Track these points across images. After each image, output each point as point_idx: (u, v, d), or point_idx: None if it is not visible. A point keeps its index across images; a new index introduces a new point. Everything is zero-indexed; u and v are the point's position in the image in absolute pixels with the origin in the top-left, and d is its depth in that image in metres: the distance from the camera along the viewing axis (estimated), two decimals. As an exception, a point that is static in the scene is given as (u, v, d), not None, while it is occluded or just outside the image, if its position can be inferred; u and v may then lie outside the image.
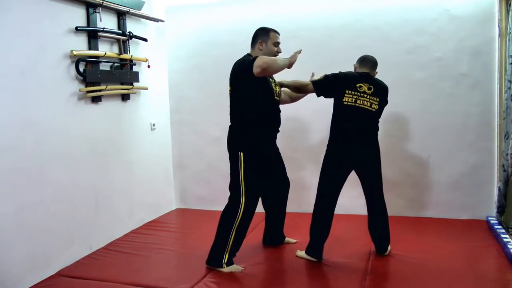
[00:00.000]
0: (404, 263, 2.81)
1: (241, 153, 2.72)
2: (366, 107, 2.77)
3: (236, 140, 2.78)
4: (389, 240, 2.97)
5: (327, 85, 2.84)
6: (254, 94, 2.72)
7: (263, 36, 2.79)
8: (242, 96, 2.74)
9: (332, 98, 2.88)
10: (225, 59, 4.05)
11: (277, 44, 2.82)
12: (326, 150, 2.88)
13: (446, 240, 3.17)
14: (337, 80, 2.83)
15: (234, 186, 2.77)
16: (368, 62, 2.89)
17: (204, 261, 2.85)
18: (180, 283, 2.60)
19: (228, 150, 2.82)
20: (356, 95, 2.77)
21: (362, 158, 2.84)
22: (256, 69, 2.57)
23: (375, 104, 2.79)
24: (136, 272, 2.79)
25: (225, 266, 2.76)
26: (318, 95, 2.88)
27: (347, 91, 2.78)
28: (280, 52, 2.85)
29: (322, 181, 2.89)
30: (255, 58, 2.62)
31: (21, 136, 2.62)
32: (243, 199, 2.73)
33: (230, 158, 2.80)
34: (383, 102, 2.84)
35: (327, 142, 2.90)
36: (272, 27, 2.84)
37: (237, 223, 2.74)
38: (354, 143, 2.80)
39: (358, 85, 2.78)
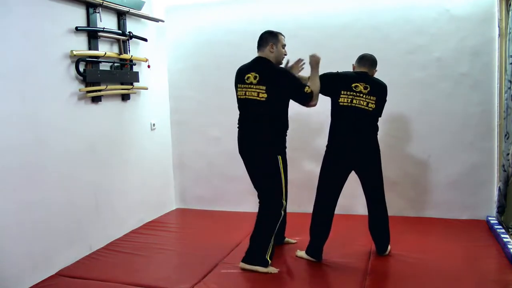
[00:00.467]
0: (404, 263, 2.81)
1: (279, 156, 2.78)
2: (363, 107, 2.77)
3: (272, 144, 2.80)
4: (389, 240, 2.97)
5: (321, 86, 2.84)
6: (286, 102, 2.84)
7: (273, 39, 2.84)
8: (279, 102, 2.79)
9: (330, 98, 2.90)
10: (225, 59, 4.09)
11: (284, 46, 2.89)
12: (325, 151, 2.89)
13: (446, 240, 3.17)
14: (331, 81, 2.85)
15: (273, 188, 2.78)
16: (366, 61, 2.89)
17: (204, 261, 2.85)
18: (180, 283, 2.60)
19: (260, 153, 2.81)
20: (352, 95, 2.78)
21: (360, 158, 2.84)
22: (309, 104, 2.83)
23: (372, 103, 2.78)
24: (136, 272, 2.79)
25: (269, 265, 2.77)
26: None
27: (342, 92, 2.79)
28: (286, 55, 2.93)
29: (321, 181, 2.89)
30: (308, 92, 2.77)
31: (21, 136, 2.62)
32: (285, 202, 2.80)
33: (261, 162, 2.81)
34: (381, 100, 2.83)
35: (326, 143, 2.91)
36: (275, 29, 2.88)
37: (279, 224, 2.79)
38: (352, 143, 2.80)
39: (353, 85, 2.79)
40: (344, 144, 2.81)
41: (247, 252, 2.81)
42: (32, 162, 2.69)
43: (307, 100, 2.81)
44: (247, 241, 2.94)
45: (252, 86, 2.78)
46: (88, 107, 3.18)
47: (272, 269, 2.76)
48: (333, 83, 2.84)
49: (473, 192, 3.63)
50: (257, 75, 2.76)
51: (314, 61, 2.85)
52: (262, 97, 2.73)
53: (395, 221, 3.44)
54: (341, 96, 2.79)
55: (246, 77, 2.80)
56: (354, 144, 2.80)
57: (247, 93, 2.79)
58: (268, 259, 2.76)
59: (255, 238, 2.80)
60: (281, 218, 2.79)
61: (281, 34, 2.89)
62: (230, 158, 3.93)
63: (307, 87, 2.78)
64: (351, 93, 2.78)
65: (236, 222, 3.79)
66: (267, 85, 2.73)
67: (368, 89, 2.78)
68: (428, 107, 3.66)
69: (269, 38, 2.84)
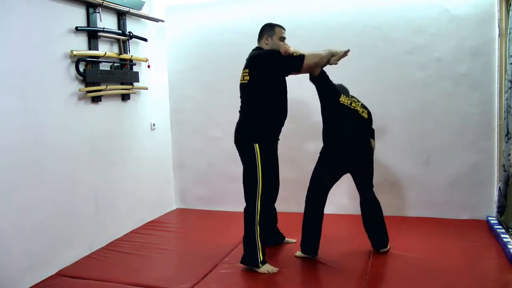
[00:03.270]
0: (404, 263, 2.81)
1: (256, 145, 2.72)
2: (360, 112, 2.87)
3: (248, 130, 2.78)
4: (387, 237, 2.98)
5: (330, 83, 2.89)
6: (275, 89, 2.79)
7: (269, 31, 2.85)
8: (263, 88, 2.75)
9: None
10: (225, 59, 4.09)
11: (282, 38, 2.85)
12: (324, 150, 2.89)
13: (446, 240, 3.17)
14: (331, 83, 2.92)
15: (246, 181, 2.79)
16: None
17: (204, 261, 2.85)
18: (180, 283, 2.60)
19: (237, 141, 2.82)
20: (350, 100, 2.88)
21: (360, 160, 2.89)
22: (306, 70, 2.74)
23: (365, 113, 2.91)
24: (136, 272, 2.79)
25: (260, 265, 2.74)
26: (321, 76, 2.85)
27: (341, 95, 2.87)
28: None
29: (317, 180, 2.90)
30: (300, 56, 2.67)
31: (21, 136, 2.62)
32: (259, 198, 2.74)
33: (239, 150, 2.81)
34: (371, 119, 2.98)
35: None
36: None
37: (258, 221, 2.74)
38: (354, 145, 2.84)
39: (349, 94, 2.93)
40: (347, 146, 2.83)
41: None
42: (32, 162, 2.69)
43: (299, 63, 2.69)
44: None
45: (243, 71, 2.84)
46: (88, 107, 3.18)
47: (269, 268, 2.75)
48: (333, 84, 2.89)
49: (473, 192, 3.62)
50: (246, 61, 2.82)
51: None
52: (246, 80, 2.78)
53: (395, 221, 3.45)
54: (341, 96, 2.85)
55: (244, 65, 2.86)
56: (356, 147, 2.84)
57: (240, 78, 2.86)
58: (260, 257, 2.73)
59: (243, 237, 2.82)
60: (257, 214, 2.72)
61: (279, 26, 2.87)
62: (230, 158, 3.93)
63: (296, 52, 2.70)
64: (349, 97, 2.89)
65: (236, 222, 3.76)
66: (250, 67, 2.77)
67: (360, 104, 2.93)
68: (428, 107, 3.66)
69: (265, 30, 2.86)
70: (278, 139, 2.95)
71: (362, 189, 2.97)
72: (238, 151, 2.85)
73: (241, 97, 2.88)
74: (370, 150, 2.94)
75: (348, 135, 2.83)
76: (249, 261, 2.76)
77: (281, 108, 2.86)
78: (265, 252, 2.81)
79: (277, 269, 2.76)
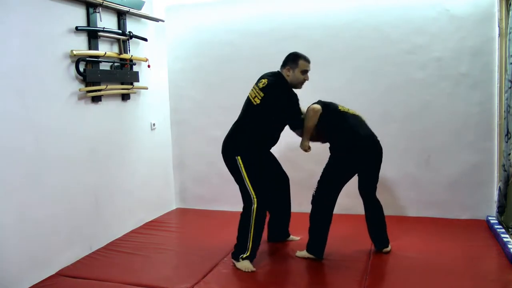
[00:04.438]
0: (404, 263, 2.81)
1: (238, 157, 2.79)
2: (360, 116, 2.96)
3: (234, 144, 2.86)
4: (387, 237, 2.99)
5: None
6: (278, 121, 2.86)
7: (292, 63, 2.84)
8: (268, 116, 2.80)
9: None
10: (225, 59, 4.09)
11: (305, 72, 2.86)
12: (341, 153, 2.86)
13: (446, 240, 3.17)
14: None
15: (240, 188, 2.85)
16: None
17: (204, 261, 2.86)
18: (180, 283, 2.60)
19: (223, 150, 2.91)
20: (344, 108, 2.97)
21: (380, 156, 2.93)
22: (297, 131, 2.94)
23: (364, 118, 3.00)
24: (136, 272, 2.79)
25: (240, 260, 2.78)
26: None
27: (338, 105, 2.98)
28: (307, 80, 2.90)
29: (331, 184, 2.86)
30: (301, 119, 2.88)
31: (21, 136, 2.62)
32: (255, 202, 2.79)
33: (226, 161, 2.91)
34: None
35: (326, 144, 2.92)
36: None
37: (254, 223, 2.78)
38: (376, 140, 2.89)
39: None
40: (370, 143, 2.86)
41: None
42: (32, 162, 2.69)
43: (298, 127, 2.94)
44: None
45: (256, 88, 2.85)
46: (88, 107, 3.18)
47: (246, 266, 2.75)
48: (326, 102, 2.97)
49: (473, 192, 3.62)
50: (266, 82, 2.80)
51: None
52: (256, 101, 2.79)
53: (395, 221, 3.45)
54: (339, 105, 2.95)
55: (260, 80, 2.87)
56: (377, 141, 2.89)
57: (250, 92, 2.87)
58: (245, 255, 2.77)
59: (237, 237, 2.87)
60: (252, 217, 2.77)
61: (304, 59, 2.85)
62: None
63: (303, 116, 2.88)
64: (344, 106, 2.98)
65: (236, 222, 3.73)
66: (267, 95, 2.77)
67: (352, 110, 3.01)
68: (428, 107, 3.66)
69: (289, 61, 2.86)
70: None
71: (369, 189, 2.96)
72: (225, 161, 2.92)
73: (243, 110, 2.90)
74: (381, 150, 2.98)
75: (368, 133, 2.88)
76: (234, 254, 2.84)
77: (274, 136, 2.93)
78: (256, 253, 2.83)
79: (254, 269, 2.75)
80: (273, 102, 2.77)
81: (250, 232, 2.77)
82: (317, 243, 2.89)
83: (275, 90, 2.79)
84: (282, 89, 2.82)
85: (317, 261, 2.87)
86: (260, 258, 2.95)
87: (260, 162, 2.86)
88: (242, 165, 2.77)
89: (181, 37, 4.23)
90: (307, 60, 2.86)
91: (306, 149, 2.92)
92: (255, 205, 2.76)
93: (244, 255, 2.78)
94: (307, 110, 2.88)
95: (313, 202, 2.90)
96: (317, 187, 2.89)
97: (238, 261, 2.79)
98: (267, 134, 2.89)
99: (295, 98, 2.86)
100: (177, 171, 4.39)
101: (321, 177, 2.89)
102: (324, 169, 2.89)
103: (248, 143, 2.82)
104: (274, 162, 3.14)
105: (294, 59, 2.84)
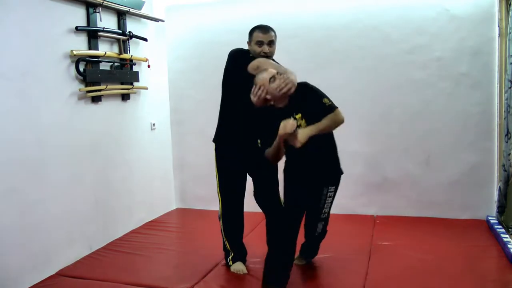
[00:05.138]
0: (404, 263, 2.81)
1: (215, 165, 2.92)
2: None
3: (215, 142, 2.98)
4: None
5: None
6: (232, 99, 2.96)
7: (249, 36, 2.72)
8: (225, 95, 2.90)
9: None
10: (225, 59, 4.08)
11: (259, 43, 2.57)
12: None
13: (446, 240, 3.17)
14: None
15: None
16: None
17: (204, 260, 2.87)
18: (180, 283, 2.60)
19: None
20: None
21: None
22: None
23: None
24: (136, 272, 2.79)
25: (230, 263, 2.79)
26: None
27: None
28: (266, 52, 2.57)
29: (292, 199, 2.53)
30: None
31: (21, 135, 2.62)
32: (220, 208, 3.00)
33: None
34: None
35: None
36: (275, 29, 2.68)
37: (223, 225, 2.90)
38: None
39: None
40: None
41: None
42: (32, 162, 2.69)
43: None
44: (246, 241, 2.96)
45: None
46: (88, 107, 3.18)
47: (238, 268, 2.75)
48: None
49: (473, 192, 3.62)
50: None
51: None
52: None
53: (395, 221, 3.45)
54: None
55: None
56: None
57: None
58: (230, 257, 2.80)
59: None
60: (221, 218, 2.90)
61: (259, 29, 2.57)
62: (230, 158, 3.93)
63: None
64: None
65: (236, 222, 3.78)
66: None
67: None
68: (428, 107, 3.66)
69: (248, 36, 2.72)
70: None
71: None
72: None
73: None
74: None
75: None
76: (225, 259, 2.89)
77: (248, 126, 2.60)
78: (241, 252, 2.86)
79: (246, 272, 2.74)
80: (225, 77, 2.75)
81: (223, 233, 2.85)
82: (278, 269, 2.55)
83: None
84: (228, 60, 2.73)
85: (315, 260, 2.87)
86: (259, 258, 2.95)
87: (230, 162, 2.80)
88: (217, 175, 2.96)
89: (181, 37, 4.23)
90: (262, 30, 2.54)
91: (303, 141, 2.28)
92: (220, 212, 2.92)
93: (230, 257, 2.80)
94: (335, 114, 2.40)
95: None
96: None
97: (229, 265, 2.80)
98: (232, 125, 2.76)
99: (231, 71, 2.69)
100: (177, 171, 4.39)
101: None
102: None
103: (219, 139, 2.92)
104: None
105: (250, 32, 2.63)
